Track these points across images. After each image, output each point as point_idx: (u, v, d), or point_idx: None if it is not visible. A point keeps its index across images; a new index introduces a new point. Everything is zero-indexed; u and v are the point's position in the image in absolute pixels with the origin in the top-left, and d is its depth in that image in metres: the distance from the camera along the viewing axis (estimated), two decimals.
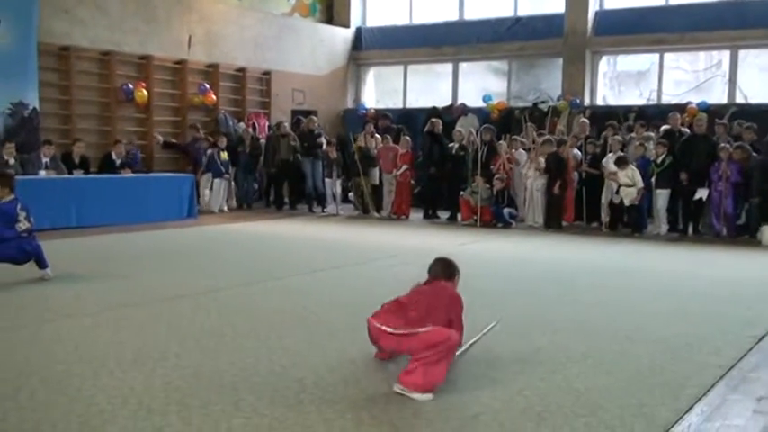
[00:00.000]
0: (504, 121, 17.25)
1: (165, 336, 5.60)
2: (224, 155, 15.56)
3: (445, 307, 4.74)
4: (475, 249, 8.41)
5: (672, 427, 3.98)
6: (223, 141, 15.66)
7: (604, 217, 13.20)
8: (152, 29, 16.12)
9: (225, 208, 15.78)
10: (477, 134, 14.81)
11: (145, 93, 15.74)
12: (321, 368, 4.84)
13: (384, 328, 4.58)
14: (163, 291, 7.32)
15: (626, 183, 12.64)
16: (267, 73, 18.70)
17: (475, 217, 13.64)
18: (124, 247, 10.64)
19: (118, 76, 15.55)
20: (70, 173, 13.09)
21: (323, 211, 16.01)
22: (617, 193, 12.82)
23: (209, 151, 15.55)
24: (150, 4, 16.08)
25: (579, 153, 13.63)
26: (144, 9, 15.95)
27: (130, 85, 15.59)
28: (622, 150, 13.32)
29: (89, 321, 6.05)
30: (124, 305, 6.66)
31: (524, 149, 14.43)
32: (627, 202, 12.72)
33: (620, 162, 12.71)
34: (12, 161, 12.34)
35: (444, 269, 5.00)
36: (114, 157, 14.11)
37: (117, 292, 7.23)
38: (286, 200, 16.77)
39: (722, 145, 12.42)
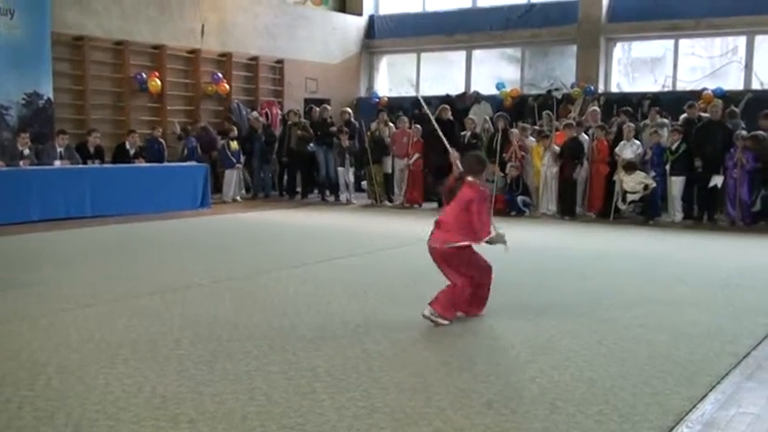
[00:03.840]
0: (517, 109, 17.19)
1: (179, 324, 5.63)
2: (234, 144, 15.58)
3: (464, 210, 5.58)
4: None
5: (686, 415, 3.97)
6: (234, 131, 15.67)
7: (620, 203, 13.02)
8: (165, 18, 16.15)
9: (238, 197, 15.82)
10: (490, 122, 14.78)
11: (158, 82, 15.79)
12: (335, 357, 4.85)
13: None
14: (177, 279, 7.36)
15: (632, 189, 12.55)
16: (280, 61, 18.70)
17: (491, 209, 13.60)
18: (139, 237, 10.69)
19: (131, 65, 15.61)
20: (84, 163, 13.16)
21: (335, 200, 16.02)
22: (622, 201, 12.73)
23: (220, 141, 15.60)
24: None
25: (587, 138, 13.55)
26: None
27: (144, 75, 15.65)
28: (636, 137, 13.24)
29: (104, 310, 6.09)
30: (139, 294, 6.69)
31: (535, 137, 14.36)
32: (636, 199, 12.65)
33: (629, 167, 12.58)
34: (27, 151, 12.43)
35: (471, 165, 5.79)
36: (128, 146, 14.17)
37: (132, 281, 7.27)
38: (298, 189, 16.79)
39: (737, 132, 12.32)
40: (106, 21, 15.15)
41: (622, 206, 12.83)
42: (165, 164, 14.54)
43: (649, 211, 12.74)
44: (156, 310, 6.08)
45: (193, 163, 14.65)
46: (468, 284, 5.71)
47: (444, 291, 5.68)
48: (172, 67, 16.43)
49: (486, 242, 5.74)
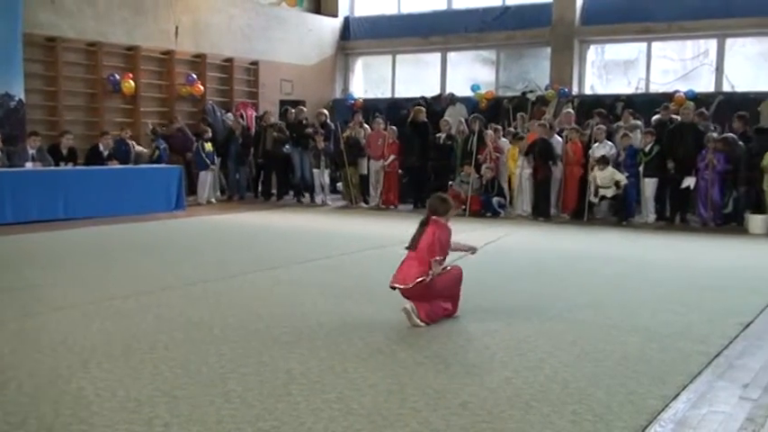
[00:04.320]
0: (492, 111, 17.27)
1: (153, 327, 5.60)
2: (209, 146, 15.50)
3: (428, 248, 5.71)
4: (463, 239, 8.43)
5: (659, 414, 4.01)
6: (208, 132, 15.60)
7: (592, 197, 13.09)
8: (139, 19, 16.05)
9: (213, 199, 15.75)
10: (465, 123, 14.84)
11: (132, 83, 15.68)
12: (310, 359, 4.84)
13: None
14: (152, 282, 7.31)
15: (605, 184, 12.68)
16: (255, 63, 18.65)
17: (464, 207, 13.66)
18: (112, 239, 10.60)
19: (104, 66, 15.49)
20: (57, 165, 13.02)
21: (311, 202, 15.99)
22: (594, 195, 12.86)
23: (195, 143, 15.52)
24: None
25: (561, 140, 13.66)
26: None
27: (117, 76, 15.52)
28: (609, 139, 13.37)
29: (78, 313, 6.03)
30: (113, 297, 6.64)
31: (510, 139, 14.44)
32: (608, 195, 12.79)
33: (601, 162, 12.72)
34: None
35: (436, 206, 5.92)
36: (101, 148, 14.05)
37: (105, 284, 7.21)
38: (274, 191, 16.75)
39: (709, 134, 12.47)
40: (79, 22, 15.01)
41: (594, 200, 12.93)
42: (139, 165, 14.42)
43: (622, 212, 12.85)
44: (130, 314, 6.04)
45: (162, 165, 14.53)
46: (453, 303, 5.95)
47: (436, 304, 5.81)
48: (146, 68, 16.32)
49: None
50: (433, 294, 5.78)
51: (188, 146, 15.79)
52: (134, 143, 15.00)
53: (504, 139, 14.37)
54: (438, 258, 5.75)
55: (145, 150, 14.99)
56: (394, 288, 5.80)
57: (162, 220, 12.65)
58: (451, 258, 6.08)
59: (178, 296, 6.73)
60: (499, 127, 14.91)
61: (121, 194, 13.16)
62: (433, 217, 5.86)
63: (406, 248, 5.91)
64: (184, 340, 5.26)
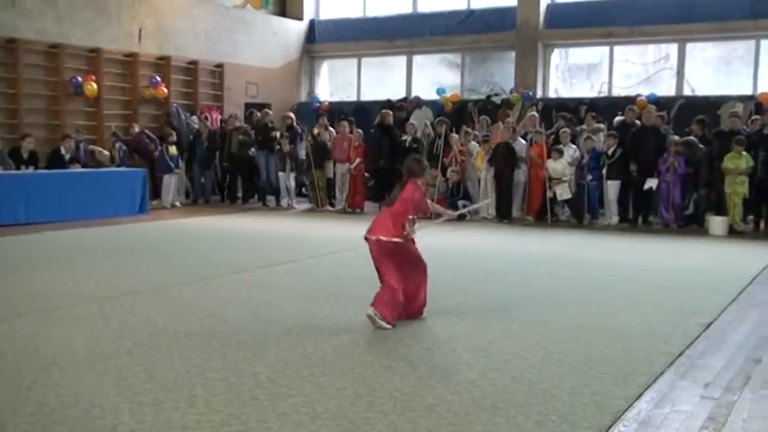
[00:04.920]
0: (457, 114, 17.34)
1: (117, 333, 5.54)
2: (173, 149, 15.37)
3: (405, 209, 5.87)
4: (429, 241, 8.47)
5: (622, 414, 4.06)
6: (173, 136, 15.47)
7: (549, 191, 13.27)
8: (102, 21, 15.86)
9: (177, 203, 15.62)
10: (431, 127, 14.89)
11: (95, 86, 15.49)
12: (276, 362, 4.83)
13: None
14: (116, 287, 7.23)
15: (557, 176, 12.85)
16: (220, 65, 18.53)
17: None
18: (75, 244, 10.46)
19: (66, 69, 15.27)
20: (18, 168, 12.82)
21: (277, 205, 15.94)
22: (550, 187, 13.03)
23: (159, 146, 15.38)
24: None
25: (525, 143, 13.77)
26: (93, 1, 15.68)
27: (79, 79, 15.32)
28: (573, 142, 13.53)
29: (39, 320, 5.94)
30: (75, 302, 6.56)
31: (477, 142, 14.53)
32: (559, 197, 12.97)
33: (554, 153, 12.98)
34: None
35: (412, 168, 6.04)
36: (63, 151, 13.86)
37: (68, 290, 7.11)
38: (239, 194, 16.66)
39: (670, 137, 12.66)
40: (40, 23, 14.79)
41: (550, 194, 13.08)
42: (102, 169, 14.24)
43: (581, 214, 13.08)
44: (93, 319, 5.97)
45: (125, 168, 14.37)
46: (400, 282, 5.81)
47: (382, 291, 5.78)
48: (109, 70, 16.13)
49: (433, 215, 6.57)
50: (398, 263, 5.84)
51: (151, 149, 15.63)
52: (91, 146, 14.77)
53: (473, 143, 14.42)
54: (412, 218, 5.90)
55: (105, 152, 14.81)
56: (367, 239, 5.91)
57: (126, 224, 12.52)
58: (424, 233, 6.30)
59: (142, 301, 6.66)
60: (470, 130, 14.96)
61: (84, 198, 12.98)
62: (411, 178, 6.01)
63: (385, 205, 6.13)
64: (149, 345, 5.21)
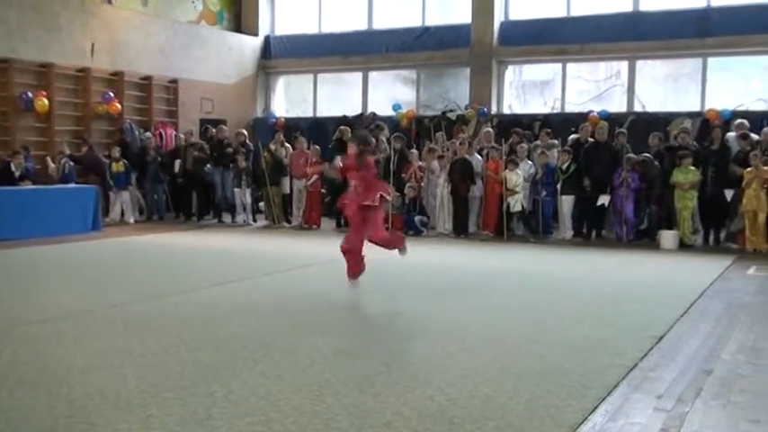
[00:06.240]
0: (413, 130, 17.44)
1: (70, 353, 5.43)
2: (118, 166, 15.19)
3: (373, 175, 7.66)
4: (385, 257, 8.50)
5: (578, 427, 4.10)
6: (115, 152, 15.28)
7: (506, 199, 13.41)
8: (53, 36, 15.65)
9: (131, 220, 15.42)
10: (386, 143, 14.93)
11: (46, 102, 15.26)
12: (232, 381, 4.78)
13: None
14: (67, 306, 7.10)
15: (511, 187, 13.00)
16: (174, 81, 18.40)
17: (387, 225, 13.72)
18: (25, 262, 10.26)
19: (16, 84, 15.04)
20: None
21: (233, 222, 15.82)
22: (505, 198, 13.19)
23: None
24: (51, 11, 15.63)
25: (481, 159, 13.90)
26: (44, 16, 15.48)
27: (30, 94, 15.09)
28: (528, 158, 13.69)
29: None
30: (27, 322, 6.42)
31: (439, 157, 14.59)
32: (512, 209, 13.11)
33: (509, 163, 13.18)
34: None
35: (365, 139, 7.67)
36: (13, 168, 13.61)
37: (18, 309, 6.96)
38: (194, 210, 16.51)
39: (627, 155, 12.85)
40: None
41: (506, 204, 13.22)
42: (54, 186, 14.00)
43: (537, 229, 13.22)
44: (46, 339, 5.85)
45: (76, 185, 14.15)
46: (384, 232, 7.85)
47: (380, 240, 7.81)
48: (60, 86, 15.91)
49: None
50: (377, 223, 7.76)
51: (100, 166, 15.40)
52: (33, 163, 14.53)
53: (435, 164, 14.36)
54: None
55: (52, 164, 14.59)
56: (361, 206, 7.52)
57: (78, 242, 12.32)
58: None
59: (96, 320, 6.55)
60: (436, 147, 14.91)
61: (35, 216, 12.73)
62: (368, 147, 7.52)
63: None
64: (102, 365, 5.12)
